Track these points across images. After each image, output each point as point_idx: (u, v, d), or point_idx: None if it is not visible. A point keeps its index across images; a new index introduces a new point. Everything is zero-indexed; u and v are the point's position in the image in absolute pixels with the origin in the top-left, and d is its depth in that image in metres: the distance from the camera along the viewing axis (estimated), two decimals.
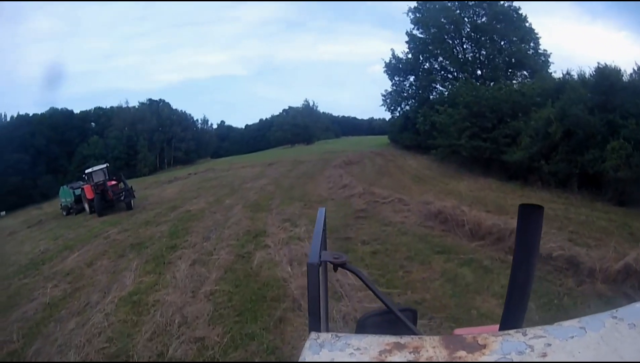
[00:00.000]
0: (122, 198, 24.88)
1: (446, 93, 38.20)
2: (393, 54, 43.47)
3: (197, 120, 72.59)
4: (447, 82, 40.43)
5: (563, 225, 13.29)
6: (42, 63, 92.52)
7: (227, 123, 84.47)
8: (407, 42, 42.49)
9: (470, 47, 40.36)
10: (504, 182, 23.49)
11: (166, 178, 41.30)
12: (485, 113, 27.78)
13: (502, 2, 38.01)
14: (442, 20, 39.75)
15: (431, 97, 40.67)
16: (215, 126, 79.44)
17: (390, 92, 44.09)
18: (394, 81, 43.88)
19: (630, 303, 1.06)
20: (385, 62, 43.46)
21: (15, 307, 11.61)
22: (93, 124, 63.06)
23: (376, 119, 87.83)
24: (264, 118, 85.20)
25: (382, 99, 44.47)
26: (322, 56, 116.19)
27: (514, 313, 1.35)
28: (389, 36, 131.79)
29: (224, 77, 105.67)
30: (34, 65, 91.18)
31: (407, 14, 41.72)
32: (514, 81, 35.14)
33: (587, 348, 0.91)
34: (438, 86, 41.66)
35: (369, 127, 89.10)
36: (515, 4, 37.61)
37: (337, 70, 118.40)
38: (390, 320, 1.51)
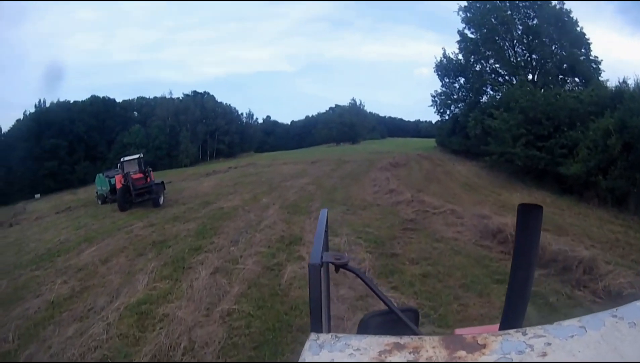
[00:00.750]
0: (146, 194, 22.90)
1: (498, 96, 37.22)
2: (444, 54, 42.05)
3: (242, 114, 72.67)
4: (498, 86, 39.18)
5: (625, 252, 12.32)
6: (87, 52, 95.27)
7: (272, 118, 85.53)
8: (458, 41, 40.99)
9: (521, 50, 38.60)
10: (558, 196, 22.56)
11: (205, 170, 40.27)
12: (541, 120, 26.88)
13: (553, 4, 36.20)
14: (493, 20, 38.08)
15: (482, 100, 39.66)
16: (260, 121, 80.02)
17: (440, 93, 42.74)
18: (443, 82, 42.59)
19: (630, 302, 1.05)
20: (435, 62, 42.27)
21: (19, 302, 11.06)
22: (136, 113, 63.69)
23: (422, 122, 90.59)
24: (310, 115, 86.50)
25: (432, 100, 43.15)
26: (368, 55, 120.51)
27: (514, 313, 1.35)
28: (434, 38, 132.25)
29: (270, 72, 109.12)
30: (79, 54, 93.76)
31: (458, 13, 40.32)
32: (565, 88, 33.60)
33: (587, 348, 0.90)
34: (489, 90, 40.36)
35: (415, 129, 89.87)
36: (566, 5, 35.87)
37: (383, 70, 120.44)
38: (392, 321, 1.49)
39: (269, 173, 32.28)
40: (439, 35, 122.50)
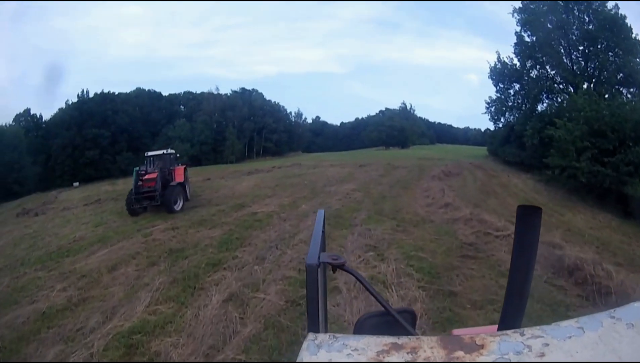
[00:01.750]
0: (154, 198, 19.54)
1: (556, 105, 34.98)
2: (498, 58, 38.92)
3: (291, 113, 71.23)
4: (555, 94, 36.43)
5: None
6: (133, 47, 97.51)
7: (322, 119, 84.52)
8: (514, 45, 37.93)
9: (576, 55, 35.54)
10: (623, 220, 21.04)
11: (249, 168, 38.50)
12: (606, 133, 24.78)
13: (608, 6, 33.03)
14: (548, 25, 35.28)
15: (538, 109, 36.71)
16: (310, 121, 78.67)
17: (494, 100, 39.76)
18: (497, 87, 39.57)
19: (628, 303, 1.06)
20: (489, 66, 39.33)
21: (12, 307, 10.39)
22: (182, 107, 63.43)
23: (472, 129, 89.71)
24: (360, 117, 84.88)
25: (486, 107, 40.21)
26: (418, 59, 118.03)
27: (512, 314, 1.38)
28: (483, 44, 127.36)
29: (320, 73, 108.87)
30: (125, 49, 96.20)
31: (512, 15, 37.43)
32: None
33: (585, 348, 0.92)
34: (544, 98, 37.31)
35: (464, 136, 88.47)
36: (621, 11, 32.54)
37: (433, 75, 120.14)
38: (389, 322, 1.47)
39: (314, 175, 30.05)
40: (488, 41, 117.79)
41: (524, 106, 37.94)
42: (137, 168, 23.39)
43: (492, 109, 39.64)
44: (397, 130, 71.31)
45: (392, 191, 22.16)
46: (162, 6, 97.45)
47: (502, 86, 39.12)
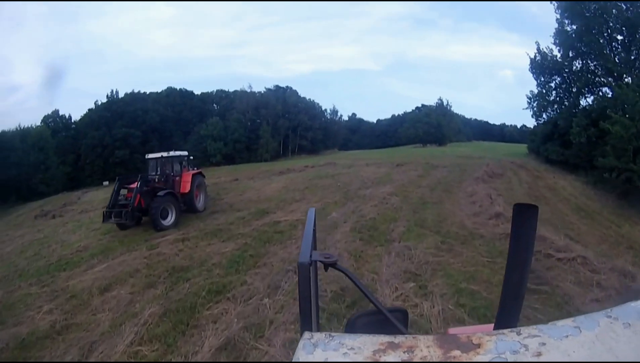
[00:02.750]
0: (122, 214, 15.91)
1: (599, 98, 32.20)
2: (538, 49, 36.14)
3: (326, 110, 70.03)
4: (596, 87, 33.92)
5: None
6: (166, 48, 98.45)
7: (358, 116, 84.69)
8: (554, 33, 34.97)
9: (615, 46, 32.65)
10: None
11: (281, 167, 36.44)
12: None
13: None
14: (586, 14, 32.17)
15: (583, 103, 34.35)
16: (345, 118, 77.98)
17: (536, 94, 37.11)
18: (538, 81, 36.81)
19: (624, 303, 1.06)
20: (529, 57, 36.54)
21: None
22: (215, 106, 62.80)
23: (508, 126, 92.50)
24: (396, 114, 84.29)
25: (528, 102, 37.63)
26: (453, 55, 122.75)
27: (509, 313, 1.36)
28: (517, 40, 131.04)
29: (355, 70, 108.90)
30: (158, 50, 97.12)
31: (551, 2, 34.90)
32: None
33: (582, 348, 0.92)
34: (586, 92, 34.42)
35: (500, 133, 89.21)
36: None
37: (467, 71, 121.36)
38: (380, 321, 1.47)
39: (348, 176, 27.61)
40: (522, 37, 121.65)
41: (566, 100, 35.62)
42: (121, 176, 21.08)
43: (535, 104, 37.20)
44: (434, 127, 69.90)
45: (433, 196, 19.52)
46: (194, 7, 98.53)
47: (542, 79, 36.64)
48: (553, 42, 35.16)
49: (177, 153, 19.76)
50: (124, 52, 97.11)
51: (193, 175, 18.89)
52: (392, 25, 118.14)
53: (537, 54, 36.09)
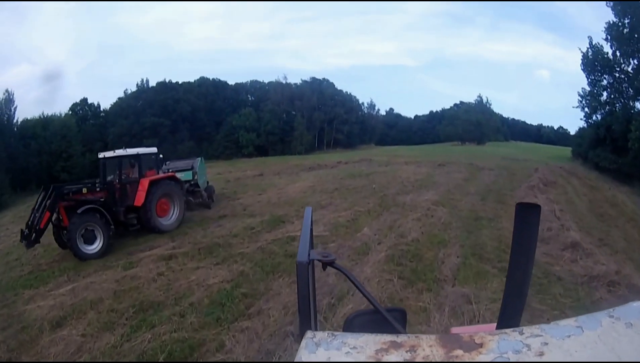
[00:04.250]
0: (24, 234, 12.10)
1: None
2: (590, 43, 32.07)
3: (363, 103, 65.77)
4: None
5: None
6: (203, 40, 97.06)
7: (396, 111, 79.89)
8: (605, 29, 30.65)
9: None
10: None
11: (311, 162, 32.93)
12: None
13: None
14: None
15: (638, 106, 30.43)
16: (383, 113, 73.66)
17: (587, 93, 33.19)
18: (589, 79, 32.88)
19: (626, 303, 1.03)
20: (581, 53, 32.54)
21: None
22: (250, 96, 59.64)
23: (545, 127, 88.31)
24: (434, 110, 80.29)
25: (579, 100, 33.75)
26: (490, 53, 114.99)
27: (511, 312, 1.32)
28: (553, 40, 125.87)
29: (392, 66, 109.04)
30: (195, 42, 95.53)
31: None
32: None
33: (584, 347, 0.89)
34: None
35: (538, 134, 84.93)
36: None
37: (504, 70, 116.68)
38: (379, 320, 1.39)
39: (384, 175, 23.76)
40: (558, 37, 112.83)
41: (617, 102, 31.73)
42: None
43: (585, 103, 33.32)
44: (473, 124, 65.35)
45: (486, 208, 15.49)
46: (229, 2, 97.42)
47: (593, 77, 32.72)
48: (604, 38, 31.03)
49: (136, 150, 14.74)
50: (160, 44, 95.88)
51: (152, 182, 13.93)
52: (429, 23, 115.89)
53: (589, 49, 32.15)
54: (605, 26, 30.17)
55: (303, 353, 0.91)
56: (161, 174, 14.80)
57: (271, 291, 8.50)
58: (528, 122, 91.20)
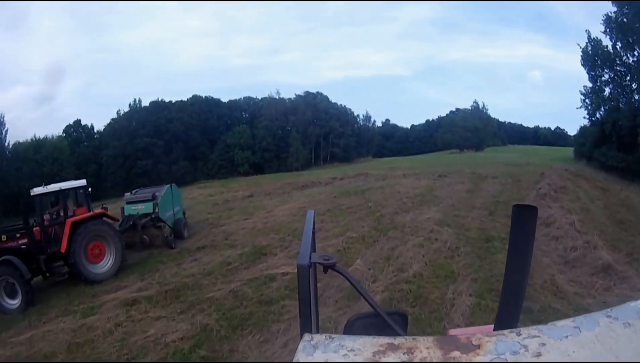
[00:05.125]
0: None
1: None
2: (589, 37, 30.60)
3: (358, 115, 64.36)
4: None
5: None
6: (198, 57, 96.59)
7: (392, 122, 78.57)
8: (603, 21, 29.26)
9: None
10: None
11: (305, 180, 31.06)
12: None
13: None
14: None
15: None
16: (379, 125, 71.96)
17: (589, 90, 31.53)
18: (590, 75, 31.27)
19: (624, 303, 1.01)
20: (580, 48, 31.13)
21: None
22: (244, 114, 58.22)
23: (542, 128, 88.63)
24: (431, 119, 79.61)
25: (581, 100, 32.07)
26: (481, 58, 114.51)
27: (509, 314, 1.30)
28: (545, 41, 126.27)
29: (387, 76, 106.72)
30: (191, 59, 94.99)
31: None
32: None
33: (582, 348, 0.88)
34: None
35: (535, 136, 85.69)
36: None
37: (497, 74, 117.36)
38: (379, 323, 1.36)
39: (382, 191, 21.78)
40: (549, 38, 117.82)
41: (620, 97, 30.23)
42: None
43: (588, 101, 31.68)
44: (470, 131, 64.12)
45: (496, 224, 13.48)
46: (224, 17, 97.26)
47: (593, 73, 31.15)
48: (603, 31, 29.60)
49: (59, 185, 12.42)
50: (153, 63, 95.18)
51: (76, 223, 11.78)
52: (420, 30, 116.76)
53: (588, 44, 30.63)
54: (604, 18, 28.64)
55: (300, 356, 0.89)
56: (88, 213, 12.38)
57: (236, 355, 6.64)
58: (525, 125, 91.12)
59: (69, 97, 79.83)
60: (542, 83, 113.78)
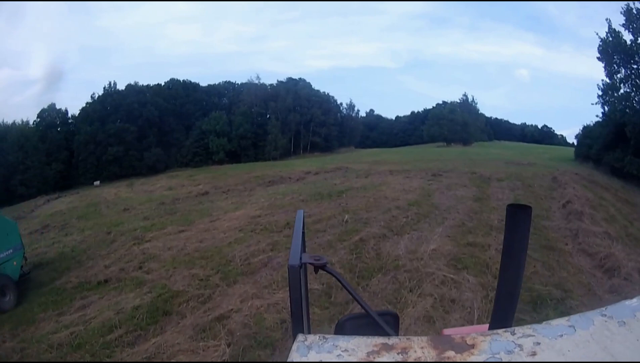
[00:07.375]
0: None
1: None
2: (609, 28, 26.29)
3: (342, 104, 59.87)
4: None
5: None
6: (183, 43, 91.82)
7: (376, 112, 75.28)
8: (623, 12, 25.20)
9: None
10: None
11: (275, 173, 26.31)
12: None
13: None
14: None
15: None
16: (363, 115, 68.02)
17: (607, 86, 27.49)
18: (607, 70, 27.29)
19: (619, 301, 0.99)
20: (599, 39, 26.91)
21: None
22: (224, 99, 53.51)
23: (529, 126, 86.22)
24: (416, 111, 76.15)
25: (598, 95, 28.02)
26: (469, 54, 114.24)
27: (503, 313, 1.26)
28: (533, 39, 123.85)
29: (373, 67, 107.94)
30: (176, 45, 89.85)
31: None
32: None
33: (577, 347, 0.86)
34: None
35: (521, 133, 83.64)
36: None
37: (484, 70, 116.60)
38: (370, 324, 1.31)
39: (363, 194, 16.48)
40: (538, 37, 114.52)
41: (638, 96, 26.62)
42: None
43: (606, 98, 27.62)
44: (459, 125, 60.11)
45: (537, 267, 8.21)
46: (212, 3, 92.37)
47: (609, 69, 27.10)
48: (622, 24, 25.60)
49: None
50: (140, 48, 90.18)
51: None
52: (409, 24, 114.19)
53: (608, 35, 26.19)
54: (624, 8, 24.26)
55: (294, 356, 0.87)
56: None
57: None
58: (511, 121, 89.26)
59: (52, 82, 73.92)
60: (529, 81, 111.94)
